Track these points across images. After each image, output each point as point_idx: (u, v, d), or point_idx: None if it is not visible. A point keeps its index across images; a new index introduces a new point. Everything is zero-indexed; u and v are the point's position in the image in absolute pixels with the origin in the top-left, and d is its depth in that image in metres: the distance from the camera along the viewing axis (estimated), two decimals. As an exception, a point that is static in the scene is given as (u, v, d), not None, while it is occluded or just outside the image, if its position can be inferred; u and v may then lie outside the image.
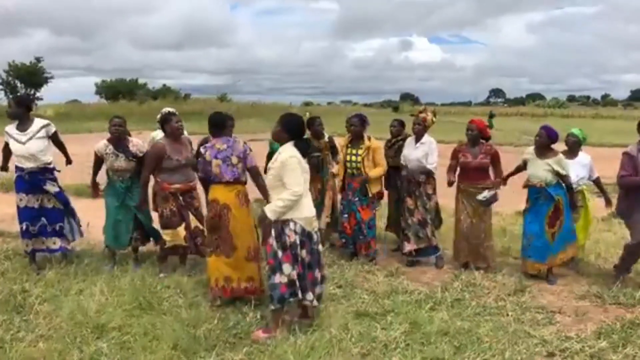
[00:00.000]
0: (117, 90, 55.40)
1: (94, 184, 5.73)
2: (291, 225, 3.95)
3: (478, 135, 5.69)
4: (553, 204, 5.41)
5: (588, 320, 4.54)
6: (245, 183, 4.70)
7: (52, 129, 5.46)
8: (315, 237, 4.10)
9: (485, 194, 5.54)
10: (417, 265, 5.96)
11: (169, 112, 5.38)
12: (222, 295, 4.62)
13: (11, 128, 5.40)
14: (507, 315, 4.53)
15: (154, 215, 5.50)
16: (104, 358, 3.67)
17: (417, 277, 5.61)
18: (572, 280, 5.56)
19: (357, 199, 5.89)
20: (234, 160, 4.57)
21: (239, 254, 4.58)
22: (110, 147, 5.46)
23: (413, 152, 5.84)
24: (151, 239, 5.71)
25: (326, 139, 6.36)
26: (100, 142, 5.53)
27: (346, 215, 5.97)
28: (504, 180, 5.83)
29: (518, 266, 5.81)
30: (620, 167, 5.24)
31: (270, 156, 6.01)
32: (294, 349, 3.72)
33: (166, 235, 5.29)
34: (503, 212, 8.15)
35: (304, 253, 4.01)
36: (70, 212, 5.70)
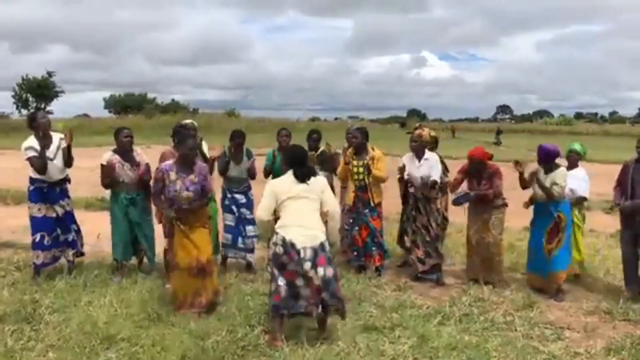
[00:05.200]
0: (125, 105, 55.84)
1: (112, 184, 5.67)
2: (274, 237, 4.15)
3: (481, 166, 5.70)
4: (552, 220, 5.42)
5: (597, 336, 4.51)
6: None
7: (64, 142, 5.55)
8: (303, 249, 4.08)
9: (459, 191, 5.61)
10: (424, 279, 5.96)
11: (182, 126, 5.57)
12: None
13: (34, 143, 5.40)
14: (516, 330, 4.52)
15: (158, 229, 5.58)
16: (113, 369, 3.69)
17: (425, 291, 5.60)
18: (581, 296, 5.53)
19: (367, 210, 5.94)
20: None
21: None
22: (117, 156, 5.55)
23: (417, 170, 5.86)
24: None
25: (318, 152, 6.44)
26: (107, 153, 5.60)
27: (357, 228, 6.00)
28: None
29: (526, 282, 5.79)
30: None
31: (265, 169, 6.33)
32: (302, 362, 3.72)
33: (167, 244, 5.35)
34: (511, 227, 8.12)
35: (291, 264, 4.08)
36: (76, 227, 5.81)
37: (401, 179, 6.16)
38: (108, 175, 5.55)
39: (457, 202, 5.70)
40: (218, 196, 6.05)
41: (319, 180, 4.36)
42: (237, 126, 6.49)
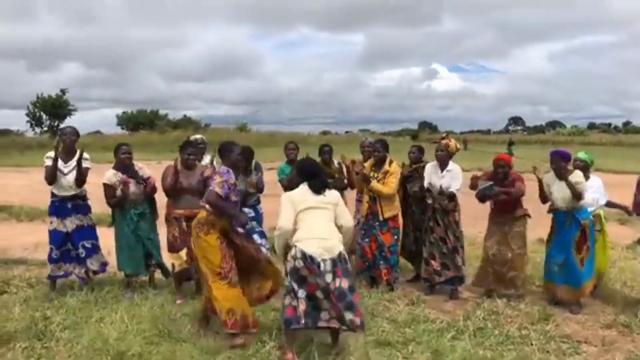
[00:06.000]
0: (138, 122, 56.32)
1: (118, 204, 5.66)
2: (292, 250, 4.12)
3: (506, 171, 5.64)
4: (580, 228, 5.34)
5: (615, 350, 4.42)
6: (208, 209, 4.46)
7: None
8: (323, 261, 4.04)
9: (480, 184, 5.52)
10: (438, 293, 5.89)
11: (186, 141, 5.65)
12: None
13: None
14: (531, 344, 4.43)
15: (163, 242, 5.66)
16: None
17: (439, 305, 5.53)
18: (598, 308, 5.43)
19: (377, 223, 5.91)
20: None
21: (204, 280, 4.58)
22: (119, 174, 5.56)
23: (440, 180, 5.81)
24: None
25: (336, 164, 6.44)
26: (109, 172, 5.61)
27: (367, 240, 5.97)
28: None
29: (541, 294, 5.70)
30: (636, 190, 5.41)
31: (281, 182, 6.27)
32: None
33: (173, 259, 5.47)
34: (528, 239, 8.03)
35: (311, 277, 4.04)
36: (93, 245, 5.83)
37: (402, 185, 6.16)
38: (112, 195, 5.56)
39: (481, 194, 5.56)
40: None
41: (333, 193, 4.37)
42: (248, 141, 6.54)
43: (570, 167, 5.52)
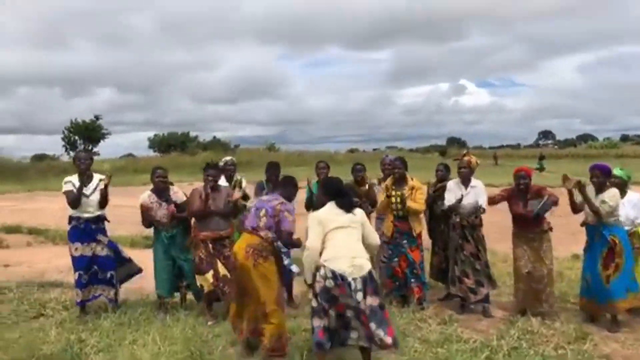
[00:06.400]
0: (169, 144, 57.19)
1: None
2: (321, 270, 4.06)
3: (527, 183, 5.58)
4: (607, 245, 5.22)
5: (657, 370, 4.27)
6: (265, 238, 4.50)
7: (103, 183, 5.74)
8: (353, 280, 4.01)
9: (535, 203, 5.40)
10: (470, 311, 5.79)
11: (207, 164, 5.69)
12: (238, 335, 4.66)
13: (74, 179, 5.68)
14: (569, 364, 4.32)
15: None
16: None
17: (472, 324, 5.43)
18: (638, 327, 5.26)
19: (405, 241, 5.88)
20: (262, 212, 4.61)
21: (248, 303, 4.53)
22: (154, 196, 5.69)
23: (465, 197, 5.75)
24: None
25: (366, 186, 6.34)
26: (144, 194, 5.78)
27: (396, 259, 5.92)
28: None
29: (577, 312, 5.57)
30: None
31: (309, 199, 6.24)
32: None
33: (201, 281, 5.51)
34: (559, 255, 7.87)
35: (342, 297, 4.00)
36: (122, 259, 5.93)
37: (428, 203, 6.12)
38: (146, 216, 5.71)
39: (540, 212, 5.40)
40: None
41: (359, 212, 4.36)
42: (276, 160, 6.62)
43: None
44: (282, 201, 4.65)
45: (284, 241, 4.55)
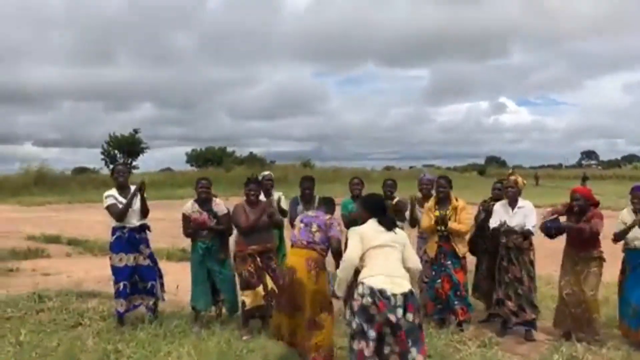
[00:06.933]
0: (206, 159, 57.96)
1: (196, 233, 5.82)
2: (359, 288, 3.92)
3: (583, 206, 5.36)
4: None
5: None
6: (321, 252, 4.64)
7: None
8: (393, 296, 3.86)
9: (545, 219, 5.31)
10: (511, 334, 5.60)
11: (248, 179, 5.72)
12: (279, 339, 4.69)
13: (115, 192, 5.79)
14: (617, 394, 4.11)
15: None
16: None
17: (513, 348, 5.25)
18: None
19: (449, 262, 5.73)
20: (314, 227, 4.69)
21: (300, 317, 4.52)
22: (196, 206, 5.73)
23: (512, 218, 5.60)
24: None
25: (394, 201, 6.17)
26: (188, 203, 5.84)
27: (439, 281, 5.78)
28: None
29: (622, 339, 5.32)
30: None
31: (345, 218, 6.04)
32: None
33: (246, 297, 5.42)
34: (606, 279, 7.57)
35: (380, 315, 3.83)
36: (158, 272, 5.94)
37: (480, 227, 5.96)
38: (187, 226, 5.73)
39: (546, 227, 5.32)
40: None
41: (401, 232, 4.26)
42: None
43: None
44: (330, 216, 4.84)
45: (333, 249, 4.67)
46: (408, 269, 4.08)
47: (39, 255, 10.61)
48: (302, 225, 4.76)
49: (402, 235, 4.20)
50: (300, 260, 4.54)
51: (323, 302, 4.55)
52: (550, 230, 5.35)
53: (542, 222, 5.41)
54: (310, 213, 4.94)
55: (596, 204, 5.44)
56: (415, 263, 4.18)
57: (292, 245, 4.75)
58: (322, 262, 4.62)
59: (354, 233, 4.15)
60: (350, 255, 4.05)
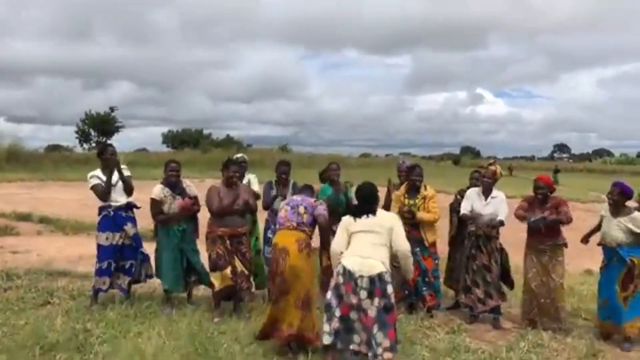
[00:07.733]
0: (182, 140, 57.40)
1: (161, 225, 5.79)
2: (338, 267, 4.18)
3: (547, 194, 5.50)
4: (625, 266, 5.12)
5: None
6: (309, 233, 4.74)
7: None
8: (360, 278, 4.03)
9: (532, 218, 5.37)
10: (479, 322, 5.71)
11: (228, 159, 5.66)
12: (271, 337, 4.66)
13: (99, 172, 5.76)
14: (579, 380, 4.23)
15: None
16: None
17: (480, 335, 5.36)
18: (650, 346, 5.16)
19: (417, 249, 5.76)
20: (301, 209, 4.76)
21: (289, 299, 4.54)
22: (167, 189, 5.65)
23: (485, 207, 5.68)
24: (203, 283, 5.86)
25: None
26: (156, 187, 5.71)
27: None
28: (584, 240, 5.66)
29: (589, 328, 5.49)
30: None
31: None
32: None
33: (214, 278, 5.43)
34: (571, 270, 7.76)
35: (347, 295, 4.05)
36: (142, 255, 5.90)
37: (456, 214, 6.03)
38: (158, 210, 5.64)
39: (534, 224, 5.41)
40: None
41: (386, 217, 4.38)
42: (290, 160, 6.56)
43: (630, 203, 5.33)
44: (315, 199, 5.02)
45: (321, 224, 4.81)
46: (396, 252, 4.24)
47: (8, 233, 10.40)
48: (288, 207, 4.81)
49: (387, 220, 4.31)
50: (292, 240, 4.60)
51: (312, 282, 4.70)
52: (539, 225, 5.40)
53: (530, 221, 5.43)
54: (296, 197, 4.98)
55: (553, 189, 5.60)
56: (401, 246, 4.25)
57: (280, 227, 4.75)
58: (310, 242, 4.73)
59: (342, 223, 4.42)
60: (334, 246, 4.36)
